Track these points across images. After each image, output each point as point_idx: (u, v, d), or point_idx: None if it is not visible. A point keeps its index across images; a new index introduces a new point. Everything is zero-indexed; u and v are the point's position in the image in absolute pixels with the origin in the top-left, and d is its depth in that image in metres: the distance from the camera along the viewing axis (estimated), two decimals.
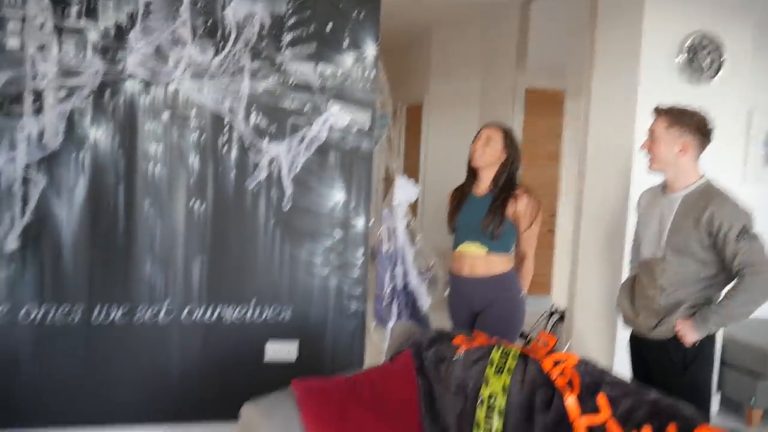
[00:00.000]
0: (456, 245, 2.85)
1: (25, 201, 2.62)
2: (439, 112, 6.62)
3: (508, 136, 2.82)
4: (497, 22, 5.92)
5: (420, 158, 6.79)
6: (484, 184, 2.82)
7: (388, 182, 3.22)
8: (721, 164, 3.05)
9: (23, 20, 2.55)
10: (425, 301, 3.20)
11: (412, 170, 6.93)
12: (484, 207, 2.76)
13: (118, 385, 2.82)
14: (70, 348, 2.75)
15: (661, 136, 2.37)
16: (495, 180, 2.80)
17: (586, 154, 3.75)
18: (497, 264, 2.77)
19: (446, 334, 2.18)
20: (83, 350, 2.76)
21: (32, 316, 2.70)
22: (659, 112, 2.41)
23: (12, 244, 2.61)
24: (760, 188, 3.89)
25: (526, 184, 2.89)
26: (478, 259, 2.77)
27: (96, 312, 2.75)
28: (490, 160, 2.79)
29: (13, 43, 2.54)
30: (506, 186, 2.77)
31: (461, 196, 2.89)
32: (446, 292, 3.49)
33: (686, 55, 3.30)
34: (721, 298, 2.33)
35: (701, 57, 3.33)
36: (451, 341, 2.10)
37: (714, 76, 3.35)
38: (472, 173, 2.87)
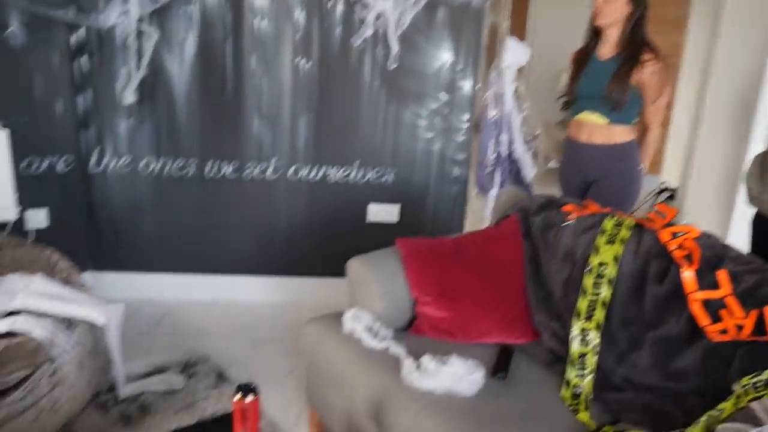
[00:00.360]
0: (575, 113, 2.68)
1: (139, 55, 2.67)
2: None
3: None
4: None
5: (528, 19, 6.38)
6: (608, 45, 2.56)
7: (493, 43, 3.04)
8: None
9: None
10: (530, 171, 3.10)
11: (516, 33, 6.55)
12: (608, 72, 2.52)
13: (228, 237, 2.98)
14: (185, 199, 2.90)
15: None
16: (620, 40, 2.53)
17: (722, 17, 3.36)
18: (618, 134, 2.59)
19: (555, 201, 2.11)
20: (197, 202, 2.91)
21: (151, 168, 2.84)
22: None
23: (129, 97, 2.70)
24: None
25: (656, 45, 2.61)
26: (598, 128, 2.60)
27: (208, 166, 2.86)
28: (614, 16, 2.50)
29: None
30: (634, 48, 2.50)
31: (583, 58, 2.64)
32: (549, 164, 3.36)
33: None
34: None
35: None
36: (560, 208, 2.04)
37: None
38: (595, 32, 2.61)
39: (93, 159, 2.80)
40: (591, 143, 2.63)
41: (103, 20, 2.60)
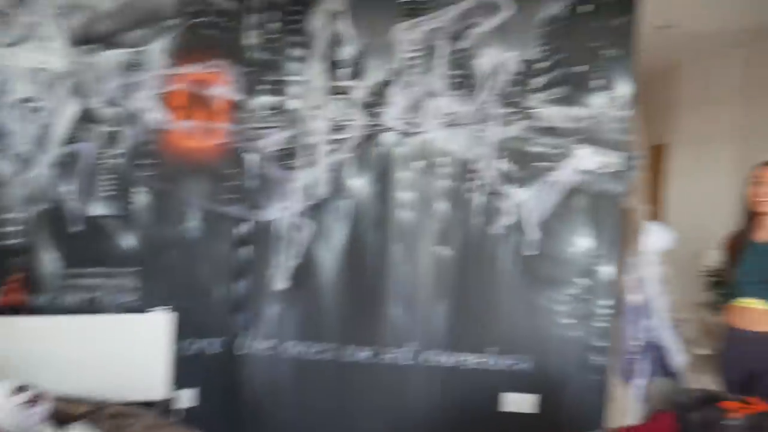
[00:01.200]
0: (735, 298, 2.67)
1: (295, 245, 2.94)
2: (686, 151, 6.15)
3: None
4: (762, 49, 5.36)
5: (663, 202, 6.33)
6: (766, 230, 2.55)
7: (632, 227, 3.05)
8: None
9: (303, 84, 2.90)
10: (679, 358, 2.93)
11: (652, 214, 6.48)
12: None
13: (362, 421, 2.98)
14: (323, 382, 2.98)
15: None
16: None
17: None
18: None
19: (713, 396, 1.97)
20: (336, 385, 2.98)
21: (293, 351, 2.98)
22: None
23: (282, 284, 2.93)
24: None
25: None
26: (763, 315, 2.53)
27: (348, 350, 2.96)
28: None
29: (294, 104, 2.91)
30: None
31: (741, 243, 2.63)
32: (697, 350, 3.16)
33: None
34: None
35: None
36: (718, 404, 1.89)
37: None
38: (750, 217, 2.63)
39: (242, 342, 2.99)
40: (755, 330, 2.53)
41: (266, 215, 2.92)
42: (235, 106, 2.90)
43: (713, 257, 5.73)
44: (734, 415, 1.80)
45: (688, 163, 6.07)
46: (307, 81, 2.90)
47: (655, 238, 2.89)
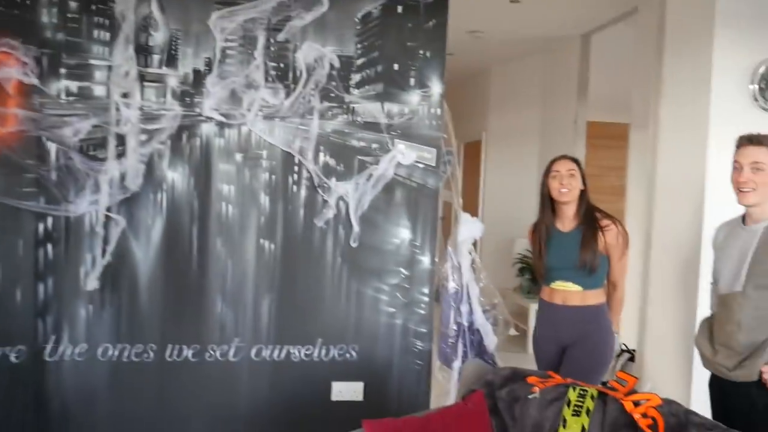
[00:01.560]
0: (548, 282, 2.89)
1: (105, 242, 2.73)
2: (498, 148, 6.63)
3: (580, 167, 2.84)
4: (558, 56, 5.93)
5: (478, 195, 6.77)
6: (568, 219, 2.84)
7: (446, 219, 3.23)
8: None
9: (109, 69, 2.70)
10: (491, 340, 3.15)
11: (470, 206, 6.92)
12: (574, 242, 2.77)
13: (189, 421, 2.86)
14: (144, 385, 2.81)
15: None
16: (578, 213, 2.81)
17: (655, 187, 3.67)
18: (591, 297, 2.80)
19: (519, 373, 2.14)
20: (157, 387, 2.83)
21: (109, 354, 2.78)
22: (761, 140, 2.30)
23: (92, 284, 2.72)
24: None
25: (607, 212, 2.88)
26: (573, 294, 2.80)
27: (169, 350, 2.82)
28: (575, 195, 2.81)
29: (99, 91, 2.70)
30: (592, 218, 2.78)
31: (542, 232, 2.89)
32: (510, 331, 3.43)
33: (759, 83, 3.22)
34: None
35: None
36: (524, 380, 2.06)
37: None
38: (551, 208, 2.86)
39: (49, 348, 2.73)
40: (565, 304, 2.82)
41: (72, 209, 2.68)
42: (33, 91, 2.63)
43: (523, 245, 6.27)
44: (533, 390, 1.97)
45: (500, 158, 6.55)
46: (114, 66, 2.70)
47: (467, 228, 3.07)
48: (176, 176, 2.78)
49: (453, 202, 3.21)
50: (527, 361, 4.93)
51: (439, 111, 2.91)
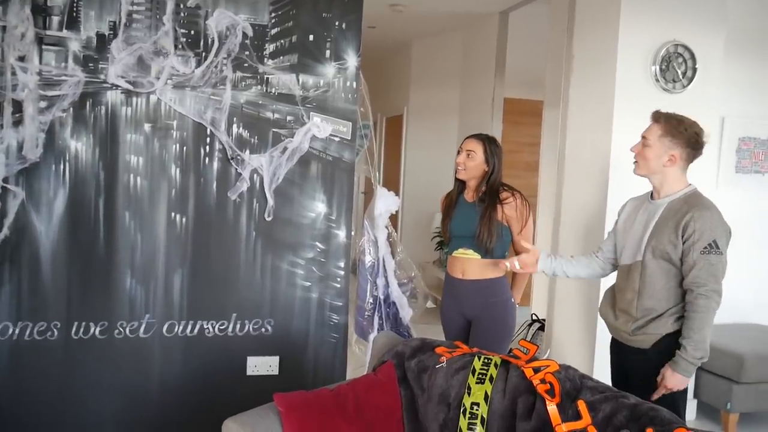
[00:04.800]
0: (451, 251, 2.99)
1: (3, 214, 2.59)
2: (419, 122, 6.67)
3: (488, 146, 2.92)
4: (476, 33, 6.00)
5: (400, 169, 6.82)
6: (471, 190, 2.95)
7: (369, 193, 3.24)
8: (694, 170, 3.12)
9: (3, 30, 2.53)
10: (407, 312, 3.20)
11: (392, 181, 6.96)
12: (475, 213, 2.88)
13: (98, 400, 2.79)
14: (49, 364, 2.71)
15: (653, 143, 2.39)
16: (479, 190, 2.92)
17: (564, 162, 3.81)
18: (490, 269, 2.88)
19: (428, 344, 2.19)
20: (62, 366, 2.73)
21: (9, 333, 2.65)
22: (656, 118, 2.43)
23: None
24: (732, 194, 3.99)
25: (511, 185, 2.99)
26: (472, 263, 2.89)
27: (75, 328, 2.72)
28: (473, 173, 2.93)
29: None
30: (492, 195, 2.88)
31: (452, 201, 3.01)
32: (427, 303, 3.51)
33: (660, 64, 3.38)
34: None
35: (675, 66, 3.42)
36: (433, 351, 2.12)
37: (687, 84, 3.44)
38: (461, 181, 2.99)
39: None
40: (466, 279, 2.91)
41: None
42: None
43: (440, 219, 6.38)
44: (441, 359, 2.02)
45: (420, 132, 6.60)
46: (9, 27, 2.52)
47: (384, 202, 3.09)
48: (80, 146, 2.66)
49: (371, 176, 3.22)
50: (443, 332, 5.07)
51: (355, 84, 2.90)
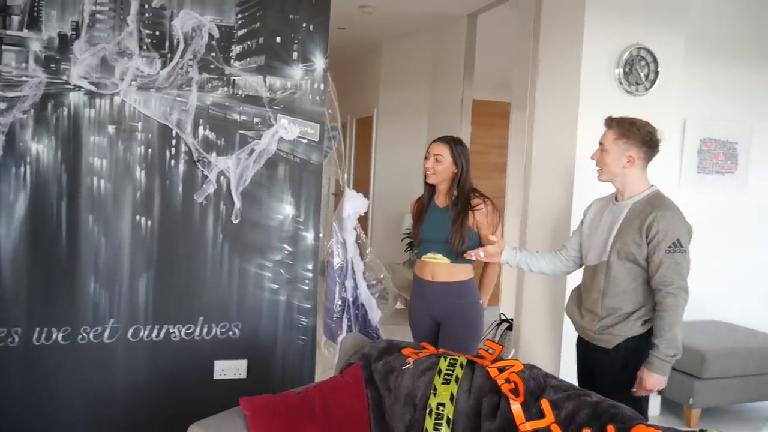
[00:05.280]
0: (421, 254, 3.01)
1: None
2: (389, 124, 6.69)
3: (455, 149, 2.95)
4: (445, 35, 6.04)
5: (370, 170, 6.83)
6: (442, 195, 2.99)
7: (338, 195, 3.24)
8: (657, 172, 3.18)
9: None
10: (376, 314, 3.21)
11: (362, 183, 6.97)
12: (447, 218, 2.91)
13: (61, 407, 2.73)
14: (10, 370, 2.65)
15: (609, 148, 2.45)
16: (450, 194, 2.95)
17: (531, 164, 3.85)
18: (458, 272, 2.92)
19: (395, 345, 2.20)
20: (24, 372, 2.67)
21: None
22: (609, 123, 2.49)
23: None
24: (694, 195, 4.08)
25: (481, 190, 3.03)
26: (442, 266, 2.92)
27: (36, 333, 2.67)
28: (442, 176, 2.95)
29: None
30: (463, 199, 2.92)
31: (423, 206, 3.04)
32: (397, 304, 3.52)
33: (624, 67, 3.44)
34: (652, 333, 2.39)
35: (638, 69, 3.48)
36: (400, 352, 2.13)
37: (650, 87, 3.51)
38: (431, 185, 3.02)
39: None
40: (435, 281, 2.93)
41: None
42: None
43: (411, 221, 6.40)
44: (407, 361, 2.03)
45: (390, 134, 6.61)
46: None
47: (352, 204, 3.09)
48: (41, 148, 2.61)
49: (336, 179, 3.22)
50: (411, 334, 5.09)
51: (323, 86, 2.90)
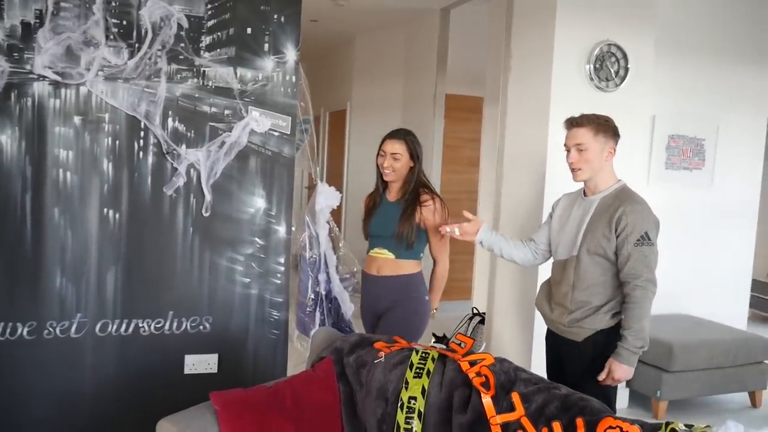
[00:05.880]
0: (368, 250, 3.00)
1: None
2: (362, 117, 6.67)
3: (410, 144, 2.93)
4: (418, 29, 6.03)
5: (343, 164, 6.81)
6: (394, 191, 2.96)
7: (311, 189, 3.22)
8: (627, 168, 3.22)
9: None
10: (348, 308, 3.20)
11: (336, 176, 6.94)
12: (396, 213, 2.88)
13: (27, 403, 2.68)
14: None
15: (590, 145, 2.45)
16: (404, 189, 2.93)
17: (503, 159, 3.87)
18: (404, 266, 2.90)
19: (367, 339, 2.20)
20: None
21: None
22: (580, 122, 2.49)
23: None
24: (663, 190, 4.15)
25: (432, 187, 3.01)
26: (387, 262, 2.91)
27: (1, 328, 2.61)
28: (401, 173, 2.92)
29: None
30: (414, 191, 2.90)
31: (374, 201, 3.02)
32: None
33: (594, 63, 3.48)
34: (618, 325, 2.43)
35: (608, 65, 3.52)
36: (372, 346, 2.12)
37: (620, 83, 3.55)
38: (382, 179, 2.99)
39: None
40: (380, 275, 2.92)
41: None
42: None
43: None
44: (379, 354, 2.03)
45: (363, 128, 6.60)
46: None
47: (324, 197, 3.08)
48: (4, 139, 2.54)
49: (309, 172, 3.20)
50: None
51: (294, 78, 2.87)
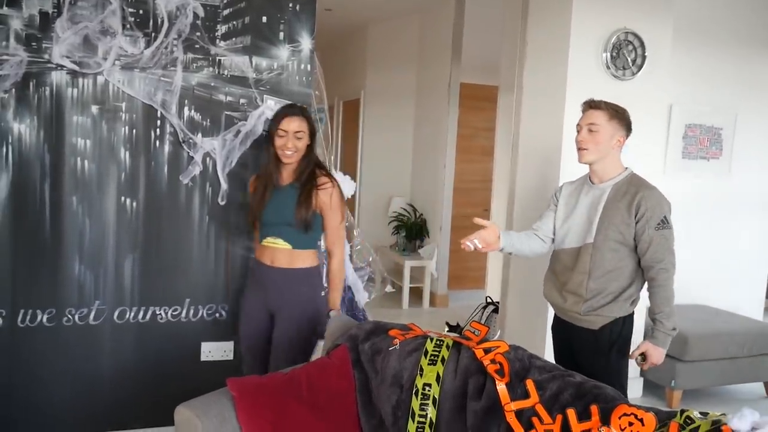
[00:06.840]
0: (261, 239, 2.60)
1: None
2: (376, 106, 6.65)
3: (309, 121, 2.57)
4: (433, 17, 6.00)
5: (357, 153, 6.80)
6: (287, 174, 2.57)
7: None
8: (643, 157, 3.20)
9: None
10: (362, 296, 3.22)
11: (350, 165, 6.95)
12: (291, 198, 2.52)
13: (47, 387, 2.73)
14: None
15: (603, 127, 2.45)
16: (299, 171, 2.55)
17: (518, 147, 3.85)
18: (301, 258, 2.57)
19: (382, 327, 2.20)
20: (8, 354, 2.66)
21: None
22: (597, 104, 2.48)
23: None
24: (679, 180, 4.11)
25: (327, 168, 2.71)
26: (283, 252, 2.55)
27: (21, 315, 2.65)
28: (302, 153, 2.55)
29: None
30: (311, 172, 2.56)
31: (266, 185, 2.58)
32: (387, 287, 3.49)
33: (611, 51, 3.44)
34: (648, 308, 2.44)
35: (625, 54, 3.48)
36: (386, 333, 2.13)
37: (637, 72, 3.51)
38: (276, 161, 2.56)
39: None
40: (274, 266, 2.56)
41: None
42: None
43: (398, 204, 6.41)
44: (394, 342, 2.04)
45: (377, 117, 6.59)
46: None
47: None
48: (23, 128, 2.58)
49: (325, 161, 3.20)
50: (401, 316, 5.11)
51: (309, 67, 2.88)
